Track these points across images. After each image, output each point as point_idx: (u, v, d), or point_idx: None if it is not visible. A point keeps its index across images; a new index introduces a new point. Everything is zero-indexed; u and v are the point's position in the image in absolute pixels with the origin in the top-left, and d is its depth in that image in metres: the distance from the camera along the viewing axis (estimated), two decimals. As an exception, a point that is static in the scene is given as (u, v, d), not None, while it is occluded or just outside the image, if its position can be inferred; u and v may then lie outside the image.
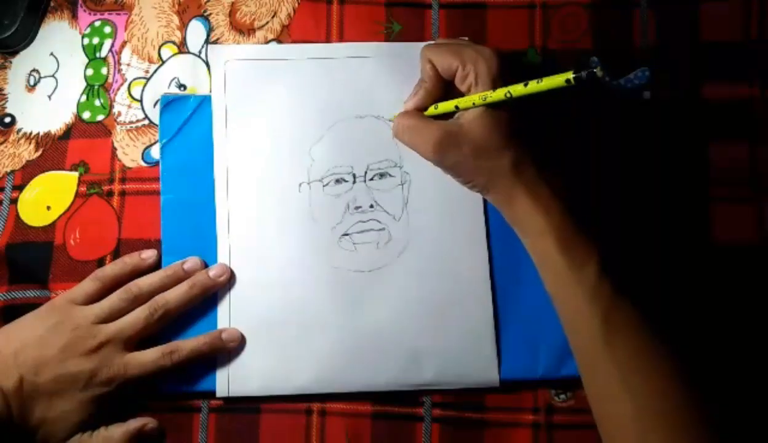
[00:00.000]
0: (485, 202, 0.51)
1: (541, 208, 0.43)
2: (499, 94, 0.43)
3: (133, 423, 0.48)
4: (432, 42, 0.48)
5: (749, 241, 0.51)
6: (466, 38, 0.53)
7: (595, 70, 0.38)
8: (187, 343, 0.49)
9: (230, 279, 0.51)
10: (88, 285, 0.50)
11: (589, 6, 0.55)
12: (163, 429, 0.49)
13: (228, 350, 0.50)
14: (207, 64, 0.56)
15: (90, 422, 0.47)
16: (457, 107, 0.45)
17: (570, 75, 0.39)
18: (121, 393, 0.47)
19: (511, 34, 0.55)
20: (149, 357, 0.48)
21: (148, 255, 0.51)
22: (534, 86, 0.41)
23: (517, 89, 0.42)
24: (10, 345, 0.47)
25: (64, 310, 0.48)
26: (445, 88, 0.47)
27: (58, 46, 0.57)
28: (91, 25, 0.57)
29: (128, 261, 0.51)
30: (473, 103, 0.44)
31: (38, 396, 0.45)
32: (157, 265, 0.52)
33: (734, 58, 0.54)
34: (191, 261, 0.51)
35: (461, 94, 0.45)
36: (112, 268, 0.50)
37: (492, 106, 0.44)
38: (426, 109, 0.47)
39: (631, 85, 0.54)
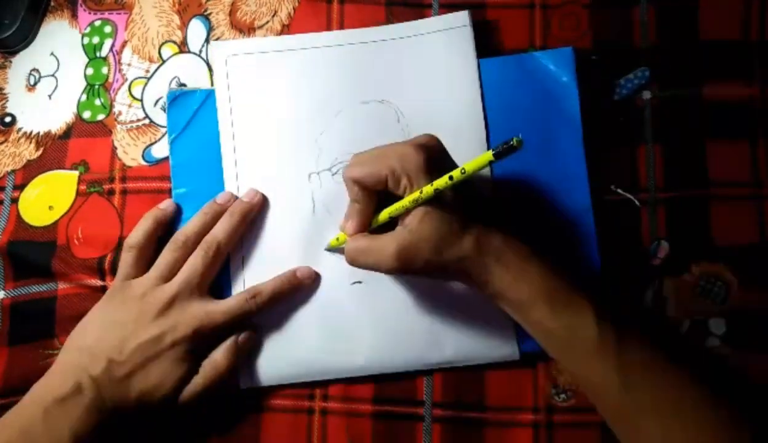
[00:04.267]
0: (493, 176, 0.51)
1: (521, 276, 0.42)
2: (428, 191, 0.42)
3: (229, 340, 0.49)
4: (350, 160, 0.46)
5: (749, 241, 0.51)
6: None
7: (512, 142, 0.38)
8: (267, 285, 0.50)
9: (262, 204, 0.51)
10: (126, 257, 0.50)
11: (589, 6, 0.55)
12: (259, 332, 0.50)
13: (305, 287, 0.50)
14: (207, 63, 0.56)
15: (190, 376, 0.47)
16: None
17: (490, 155, 0.39)
18: (213, 342, 0.48)
19: (510, 33, 0.55)
20: (233, 302, 0.48)
21: (166, 204, 0.52)
22: (459, 176, 0.41)
23: (442, 182, 0.41)
24: (88, 337, 0.47)
25: (124, 288, 0.49)
26: (379, 197, 0.46)
27: (59, 46, 0.57)
28: (91, 24, 0.57)
29: (148, 215, 0.51)
30: (404, 207, 0.43)
31: (131, 372, 0.46)
32: (178, 212, 0.52)
33: (734, 58, 0.54)
34: (222, 195, 0.51)
35: (397, 198, 0.44)
36: (137, 232, 0.50)
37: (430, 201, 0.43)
38: (367, 227, 0.47)
39: (631, 85, 0.54)
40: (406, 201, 0.43)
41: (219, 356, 0.48)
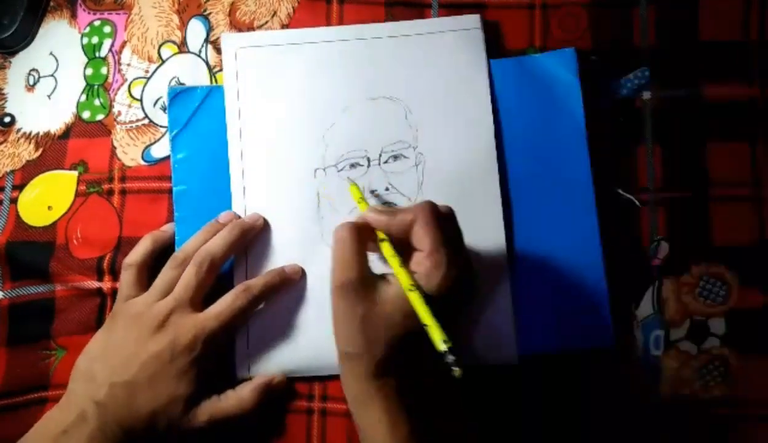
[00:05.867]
0: (500, 180, 0.51)
1: (390, 419, 0.40)
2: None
3: (260, 379, 0.49)
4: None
5: (749, 241, 0.51)
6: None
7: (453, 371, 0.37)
8: (258, 279, 0.49)
9: (263, 227, 0.51)
10: (125, 276, 0.49)
11: (588, 6, 0.55)
12: (290, 383, 0.50)
13: (294, 282, 0.50)
14: (207, 63, 0.56)
15: (200, 391, 0.47)
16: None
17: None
18: (217, 352, 0.48)
19: (510, 34, 0.55)
20: (222, 304, 0.48)
21: (167, 227, 0.52)
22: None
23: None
24: (91, 362, 0.47)
25: (123, 309, 0.48)
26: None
27: (58, 46, 0.57)
28: (90, 24, 0.57)
29: (147, 236, 0.51)
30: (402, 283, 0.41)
31: (136, 392, 0.45)
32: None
33: (734, 58, 0.54)
34: (224, 214, 0.51)
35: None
36: (135, 251, 0.50)
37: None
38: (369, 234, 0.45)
39: (631, 85, 0.54)
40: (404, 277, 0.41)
41: (247, 391, 0.48)
